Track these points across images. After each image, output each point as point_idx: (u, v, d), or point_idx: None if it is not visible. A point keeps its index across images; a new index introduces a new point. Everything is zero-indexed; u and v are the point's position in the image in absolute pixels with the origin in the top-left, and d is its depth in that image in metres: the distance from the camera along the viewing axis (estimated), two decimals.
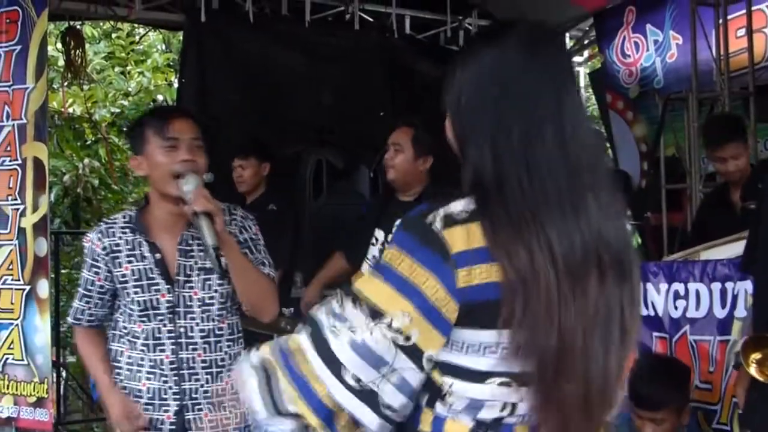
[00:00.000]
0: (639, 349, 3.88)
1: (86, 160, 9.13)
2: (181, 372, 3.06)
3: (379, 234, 4.53)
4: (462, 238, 1.64)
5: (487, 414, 1.69)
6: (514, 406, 1.69)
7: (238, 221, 3.16)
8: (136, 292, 3.05)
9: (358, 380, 1.66)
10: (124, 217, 3.16)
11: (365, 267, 4.58)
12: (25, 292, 5.34)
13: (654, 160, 7.00)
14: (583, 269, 1.65)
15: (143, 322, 3.07)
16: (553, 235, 1.63)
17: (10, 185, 5.41)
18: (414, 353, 1.65)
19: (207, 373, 3.09)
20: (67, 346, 9.00)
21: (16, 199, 5.39)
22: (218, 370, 3.11)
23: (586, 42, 8.88)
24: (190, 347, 3.07)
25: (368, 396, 1.67)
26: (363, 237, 4.71)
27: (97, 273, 3.12)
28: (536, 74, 1.71)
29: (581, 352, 1.64)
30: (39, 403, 5.29)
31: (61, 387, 7.61)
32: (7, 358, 5.40)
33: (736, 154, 4.90)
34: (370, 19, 7.46)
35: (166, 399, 3.06)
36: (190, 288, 3.07)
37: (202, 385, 3.08)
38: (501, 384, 1.67)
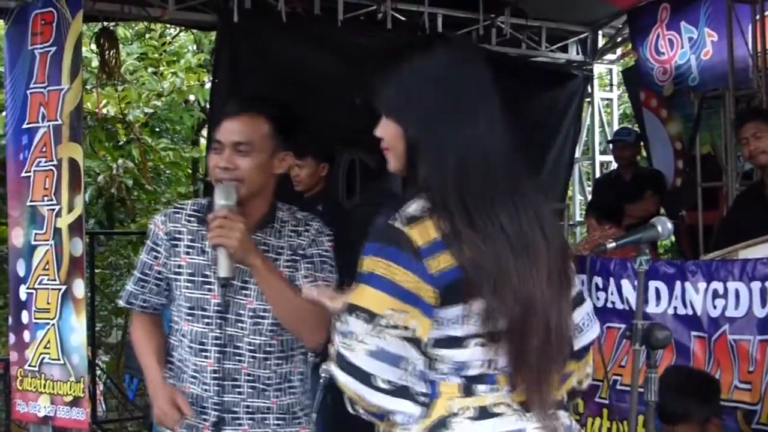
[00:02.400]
0: (677, 348, 3.90)
1: (120, 161, 9.19)
2: (224, 383, 2.82)
3: None
4: (424, 233, 1.93)
5: (472, 371, 2.00)
6: (491, 361, 2.00)
7: (311, 234, 2.90)
8: (187, 287, 2.84)
9: (389, 382, 1.92)
10: (194, 205, 2.94)
11: None
12: (61, 292, 5.38)
13: (689, 158, 6.95)
14: (533, 242, 1.99)
15: (189, 321, 2.84)
16: (504, 217, 1.96)
17: (46, 186, 5.46)
18: (417, 343, 1.93)
19: (251, 388, 2.84)
20: (101, 346, 9.08)
21: (51, 200, 5.43)
22: (263, 386, 2.85)
23: (619, 39, 8.84)
24: (236, 358, 2.82)
25: (403, 392, 1.94)
26: None
27: (156, 257, 2.89)
28: (472, 83, 2.07)
29: (542, 310, 1.98)
30: (75, 402, 5.33)
31: (97, 386, 7.65)
32: (43, 358, 5.44)
33: (756, 133, 4.88)
34: (403, 18, 7.45)
35: (205, 408, 2.84)
36: (245, 296, 2.81)
37: (244, 399, 2.84)
38: (477, 345, 1.98)
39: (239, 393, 2.83)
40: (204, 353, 2.83)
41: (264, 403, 2.86)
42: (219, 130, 2.80)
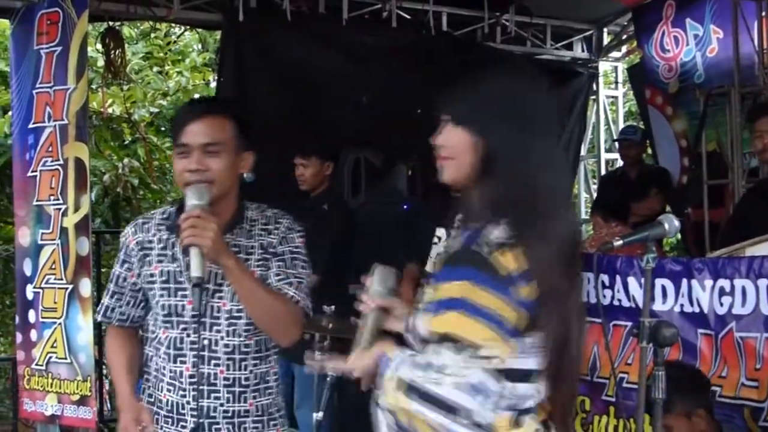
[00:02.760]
0: (683, 346, 3.89)
1: (126, 160, 9.20)
2: (201, 387, 2.79)
3: (441, 233, 4.52)
4: (508, 261, 1.95)
5: (527, 404, 2.03)
6: (539, 394, 2.05)
7: (281, 231, 2.89)
8: (162, 295, 2.82)
9: (469, 415, 1.92)
10: (162, 213, 2.95)
11: (430, 266, 4.55)
12: (68, 291, 5.39)
13: (695, 155, 6.94)
14: (571, 272, 2.06)
15: (167, 328, 2.82)
16: (557, 239, 2.02)
17: (52, 185, 5.47)
18: (497, 374, 1.94)
19: (228, 392, 2.82)
20: None
21: (58, 199, 5.44)
22: (241, 389, 2.84)
23: (624, 37, 8.83)
24: (213, 362, 2.80)
25: (478, 425, 1.94)
26: (421, 240, 4.69)
27: (129, 269, 2.89)
28: (542, 102, 2.12)
29: (575, 346, 2.07)
30: (82, 401, 5.35)
31: (103, 385, 7.65)
32: (50, 357, 5.46)
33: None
34: (407, 17, 7.45)
35: (183, 414, 2.81)
36: (220, 298, 2.80)
37: (222, 404, 2.81)
38: (537, 379, 2.03)
39: (217, 398, 2.81)
40: (181, 359, 2.81)
41: (242, 406, 2.85)
42: (184, 133, 2.76)
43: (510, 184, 2.02)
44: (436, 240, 4.58)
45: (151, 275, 2.85)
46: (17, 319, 5.75)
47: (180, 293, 2.81)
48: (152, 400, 2.88)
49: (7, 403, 8.87)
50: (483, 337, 1.91)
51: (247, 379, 2.84)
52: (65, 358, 5.39)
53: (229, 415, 2.82)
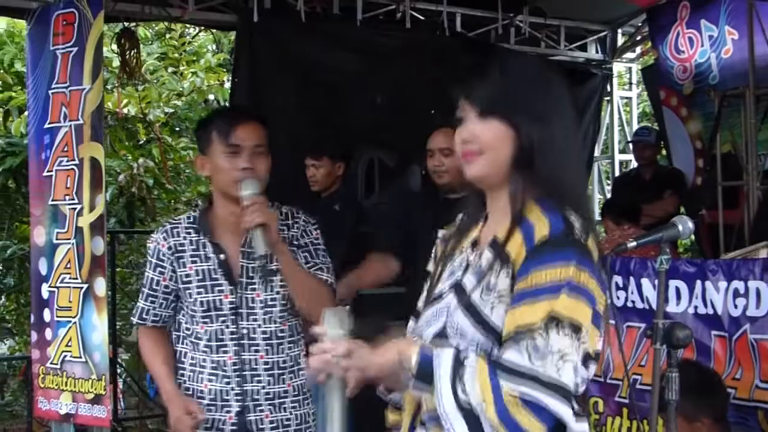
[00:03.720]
0: (697, 348, 3.89)
1: (141, 160, 9.23)
2: (244, 373, 3.08)
3: (440, 233, 4.49)
4: (594, 248, 1.94)
5: (580, 390, 1.94)
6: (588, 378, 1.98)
7: (300, 225, 3.20)
8: (199, 293, 3.08)
9: (575, 398, 1.89)
10: (188, 218, 3.20)
11: (431, 266, 4.52)
12: (83, 291, 5.41)
13: (709, 157, 6.92)
14: None
15: (206, 323, 3.09)
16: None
17: (68, 185, 5.49)
18: (588, 357, 1.92)
19: (269, 375, 3.11)
20: (122, 344, 9.13)
21: (73, 199, 5.46)
22: (280, 371, 3.13)
23: (639, 38, 8.81)
24: (253, 348, 3.09)
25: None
26: (411, 237, 4.66)
27: (162, 273, 3.15)
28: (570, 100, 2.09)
29: None
30: (97, 399, 5.36)
31: (117, 384, 7.69)
32: (65, 356, 5.48)
33: None
34: (421, 18, 7.45)
35: (228, 400, 3.08)
36: (253, 290, 3.09)
37: (263, 387, 3.10)
38: (595, 363, 1.98)
39: (258, 381, 3.10)
40: (223, 349, 3.08)
41: (281, 387, 3.13)
42: (233, 135, 3.04)
43: (551, 175, 1.97)
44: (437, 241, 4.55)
45: (187, 275, 3.11)
46: (32, 317, 5.77)
47: (217, 289, 3.09)
48: (190, 392, 3.13)
49: (22, 401, 8.91)
50: (586, 316, 1.88)
51: (284, 362, 3.14)
52: (80, 357, 5.41)
53: (271, 396, 3.11)
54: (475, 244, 2.10)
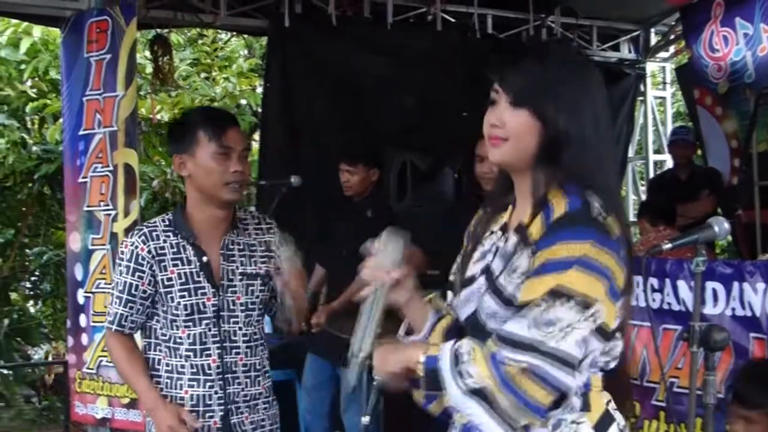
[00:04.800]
0: (735, 350, 3.84)
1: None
2: (226, 376, 3.08)
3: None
4: (615, 225, 1.96)
5: (613, 363, 2.05)
6: (618, 354, 2.07)
7: (274, 230, 3.24)
8: (182, 296, 3.03)
9: (580, 369, 1.94)
10: (163, 221, 3.13)
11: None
12: None
13: (746, 156, 6.85)
14: None
15: (188, 326, 3.04)
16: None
17: (102, 191, 5.53)
18: (603, 332, 1.95)
19: (246, 377, 3.12)
20: None
21: (108, 205, 5.50)
22: (256, 373, 3.16)
23: (672, 37, 8.74)
24: (234, 351, 3.09)
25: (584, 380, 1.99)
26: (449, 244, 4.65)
27: (141, 277, 3.04)
28: (599, 85, 2.11)
29: None
30: (132, 404, 5.40)
31: None
32: (101, 360, 5.52)
33: None
34: (452, 20, 7.44)
35: (210, 405, 3.06)
36: (234, 293, 3.09)
37: (243, 389, 3.11)
38: (619, 338, 2.04)
39: (238, 383, 3.10)
40: (206, 352, 3.06)
41: (256, 389, 3.16)
42: (225, 137, 3.02)
43: (576, 165, 2.00)
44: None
45: (168, 279, 3.05)
46: (68, 323, 5.82)
47: (200, 292, 3.04)
48: (168, 400, 3.06)
49: (59, 406, 8.99)
50: (599, 292, 1.91)
51: (259, 364, 3.17)
52: None
53: (248, 398, 3.13)
54: (504, 229, 2.15)
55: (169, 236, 3.07)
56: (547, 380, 1.88)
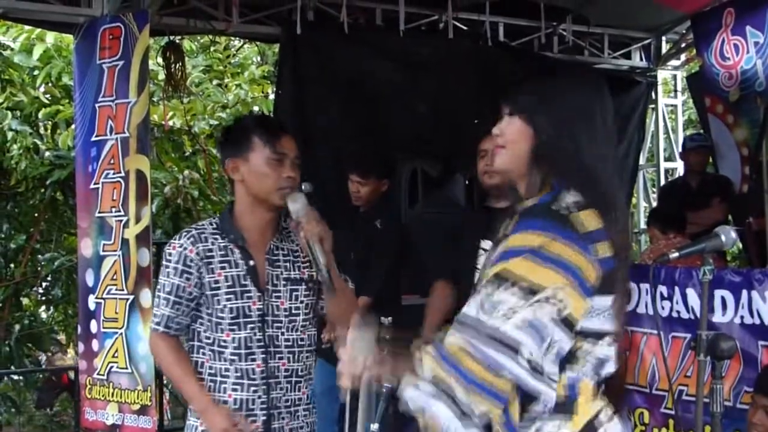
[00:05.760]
0: (744, 358, 3.84)
1: (186, 172, 9.30)
2: (269, 381, 3.08)
3: (486, 244, 4.49)
4: (584, 221, 2.00)
5: (606, 370, 2.06)
6: (613, 360, 2.08)
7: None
8: (228, 299, 3.03)
9: (530, 359, 1.93)
10: (211, 224, 3.15)
11: (476, 276, 4.54)
12: (129, 302, 5.47)
13: (756, 164, 6.84)
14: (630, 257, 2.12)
15: (233, 330, 3.04)
16: (622, 217, 2.08)
17: (114, 197, 5.56)
18: (568, 323, 1.96)
19: (287, 382, 3.12)
20: None
21: (119, 211, 5.53)
22: (297, 379, 3.15)
23: (683, 45, 8.73)
24: (277, 356, 3.09)
25: (539, 373, 1.96)
26: (459, 253, 4.67)
27: (188, 279, 3.05)
28: (604, 110, 2.19)
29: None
30: (142, 410, 5.42)
31: (163, 394, 7.74)
32: (111, 367, 5.54)
33: None
34: (464, 28, 7.45)
35: (253, 409, 3.06)
36: (278, 297, 3.09)
37: (284, 394, 3.11)
38: (610, 343, 2.06)
39: (281, 389, 3.11)
40: (251, 356, 3.06)
41: (297, 395, 3.15)
42: (280, 144, 3.05)
43: (567, 171, 2.09)
44: (481, 252, 4.55)
45: (216, 282, 3.05)
46: (79, 329, 5.85)
47: (246, 295, 3.05)
48: None
49: (70, 412, 9.02)
50: (553, 282, 1.93)
51: (302, 370, 3.16)
52: (126, 368, 5.47)
53: (289, 404, 3.13)
54: (506, 236, 2.20)
55: (216, 239, 3.08)
56: (485, 359, 1.91)
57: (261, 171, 3.05)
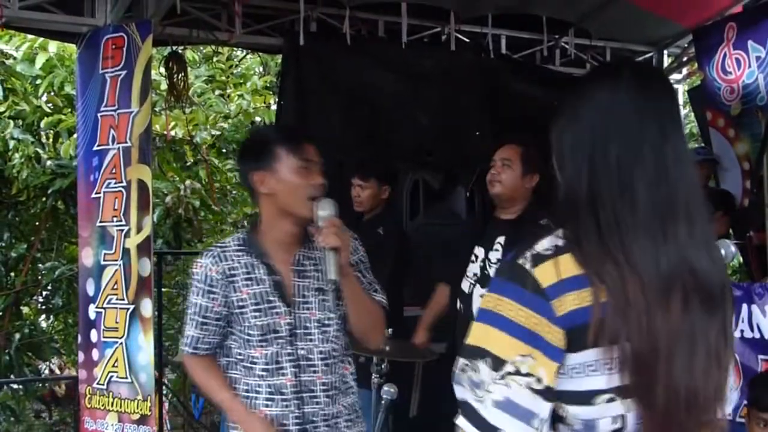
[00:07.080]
0: (744, 372, 3.84)
1: (187, 182, 9.31)
2: (302, 395, 3.02)
3: (479, 251, 4.52)
4: (551, 272, 1.73)
5: (603, 429, 1.75)
6: (623, 417, 1.75)
7: (351, 243, 3.11)
8: (255, 316, 3.00)
9: None
10: (235, 241, 3.12)
11: (465, 284, 4.59)
12: (129, 311, 5.46)
13: (757, 178, 6.84)
14: (666, 290, 1.72)
15: (263, 346, 3.01)
16: (638, 254, 1.72)
17: (116, 207, 5.56)
18: (546, 393, 1.71)
19: (326, 396, 3.06)
20: (168, 364, 9.20)
21: (121, 221, 5.53)
22: (335, 392, 3.08)
23: (685, 59, 8.74)
24: (311, 370, 3.03)
25: None
26: (457, 260, 4.70)
27: (213, 299, 3.04)
28: (642, 111, 1.80)
29: (665, 365, 1.71)
30: (142, 420, 5.41)
31: (163, 404, 7.73)
32: (111, 376, 5.53)
33: None
34: (466, 40, 7.47)
35: (286, 424, 3.01)
36: (308, 309, 3.04)
37: (321, 408, 3.04)
38: (608, 401, 1.74)
39: (317, 403, 3.04)
40: (281, 371, 3.01)
41: (336, 408, 3.07)
42: (306, 151, 3.04)
43: (576, 181, 1.80)
44: (473, 258, 4.58)
45: (241, 300, 3.02)
46: (79, 338, 5.83)
47: (273, 311, 3.01)
48: None
49: (69, 421, 9.01)
50: (516, 351, 1.70)
51: (337, 382, 3.10)
52: (126, 378, 5.47)
53: (327, 417, 3.06)
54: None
55: (240, 256, 3.05)
56: None
57: (290, 180, 3.00)
